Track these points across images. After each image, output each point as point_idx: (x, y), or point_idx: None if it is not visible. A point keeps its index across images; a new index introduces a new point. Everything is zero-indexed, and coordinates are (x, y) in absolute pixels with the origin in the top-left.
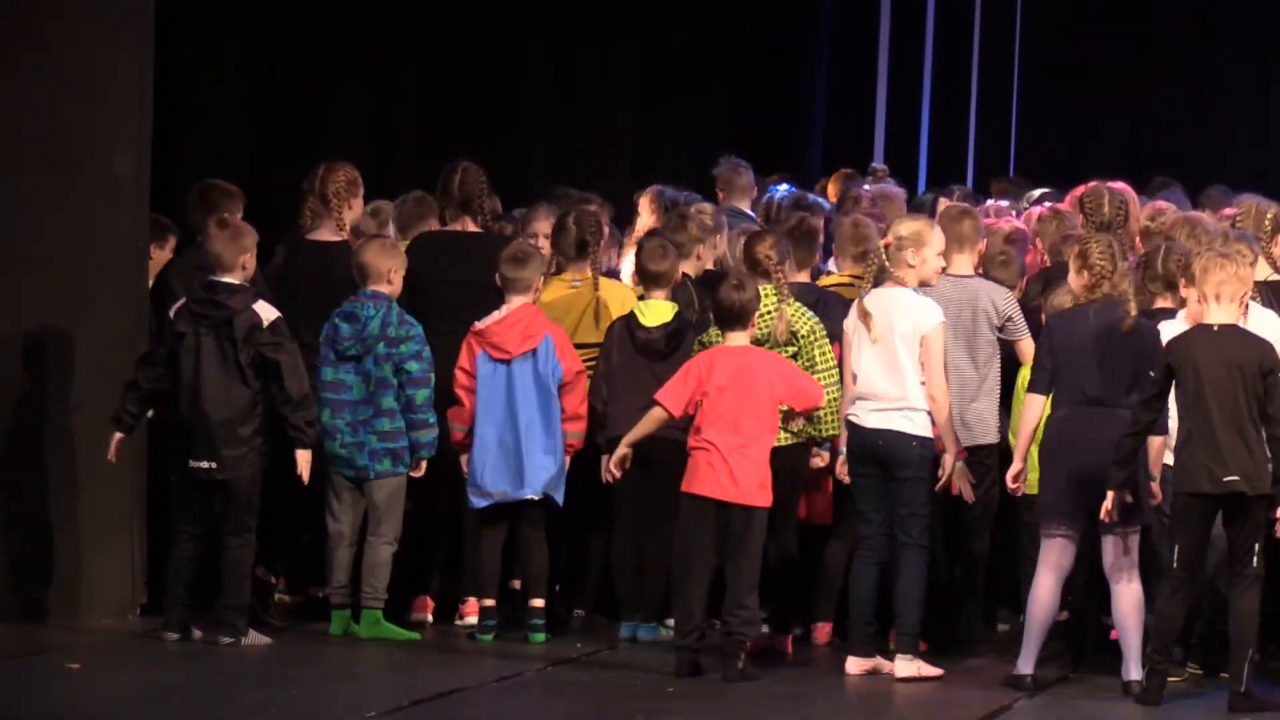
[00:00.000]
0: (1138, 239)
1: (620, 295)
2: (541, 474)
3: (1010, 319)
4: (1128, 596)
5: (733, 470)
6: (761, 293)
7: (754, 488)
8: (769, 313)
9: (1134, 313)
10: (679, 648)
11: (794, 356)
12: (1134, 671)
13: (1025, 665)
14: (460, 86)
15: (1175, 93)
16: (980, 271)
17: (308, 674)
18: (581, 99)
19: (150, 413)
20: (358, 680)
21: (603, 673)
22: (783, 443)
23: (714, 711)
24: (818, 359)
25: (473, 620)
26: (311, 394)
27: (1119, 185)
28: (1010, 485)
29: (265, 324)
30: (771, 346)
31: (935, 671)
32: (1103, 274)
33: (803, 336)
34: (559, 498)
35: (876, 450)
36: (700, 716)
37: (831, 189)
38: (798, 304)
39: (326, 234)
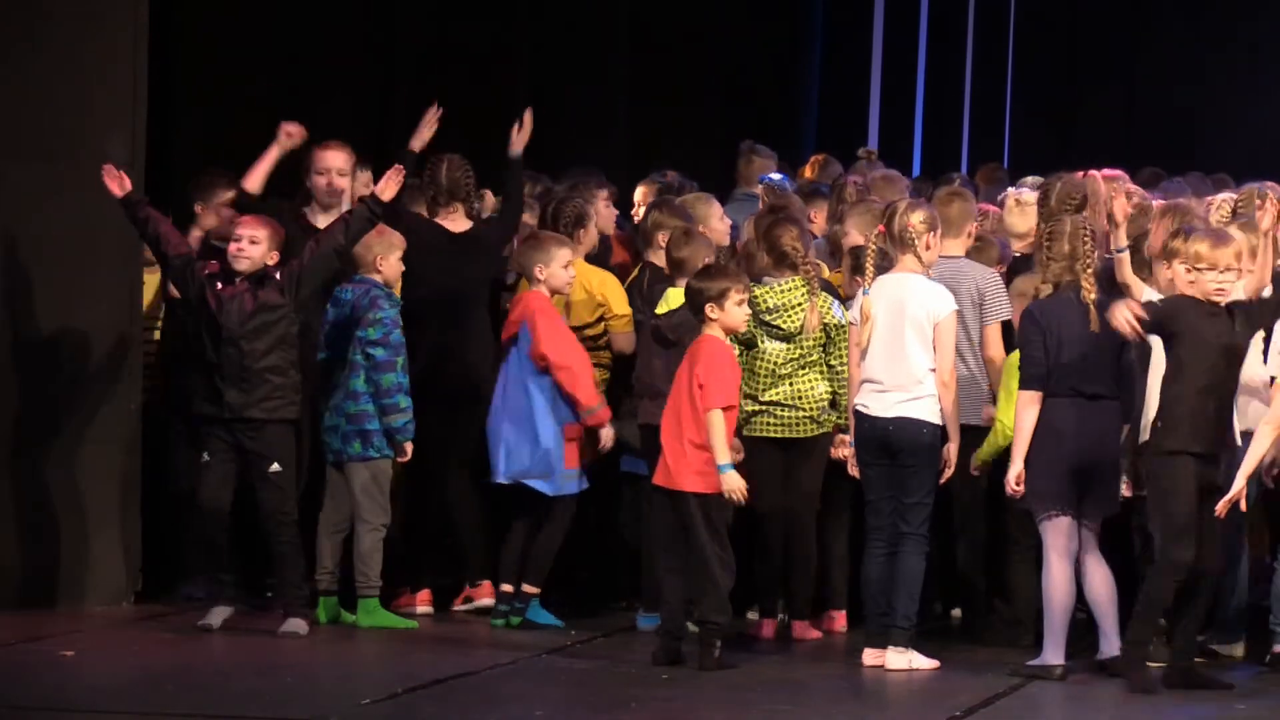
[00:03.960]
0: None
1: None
2: (514, 462)
3: (985, 300)
4: (1102, 575)
5: (667, 458)
6: (790, 285)
7: (689, 474)
8: (798, 305)
9: (1093, 300)
10: (661, 635)
11: (824, 349)
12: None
13: (1055, 655)
14: (453, 72)
15: (1169, 84)
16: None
17: (301, 661)
18: (575, 91)
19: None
20: (351, 667)
21: (596, 660)
22: (806, 434)
23: (708, 698)
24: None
25: (478, 603)
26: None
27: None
28: (1012, 489)
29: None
30: (803, 340)
31: (930, 664)
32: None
33: (835, 329)
34: (544, 488)
35: (887, 438)
36: (694, 703)
37: (809, 174)
38: (826, 295)
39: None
